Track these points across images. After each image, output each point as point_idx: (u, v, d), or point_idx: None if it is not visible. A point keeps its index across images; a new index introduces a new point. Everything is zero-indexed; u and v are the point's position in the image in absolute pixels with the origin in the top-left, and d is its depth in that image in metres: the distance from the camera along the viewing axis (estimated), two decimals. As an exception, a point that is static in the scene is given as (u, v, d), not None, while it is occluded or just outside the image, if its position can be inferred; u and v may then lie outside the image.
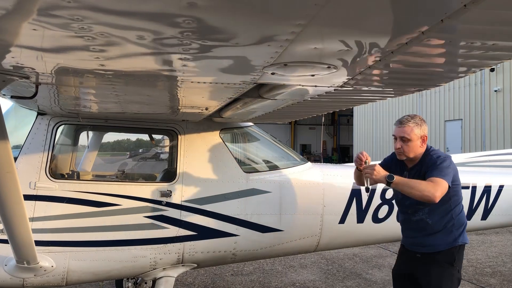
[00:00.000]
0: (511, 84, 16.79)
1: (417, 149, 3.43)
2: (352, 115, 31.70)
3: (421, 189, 3.15)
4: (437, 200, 3.15)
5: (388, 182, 3.19)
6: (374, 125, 26.73)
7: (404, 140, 3.41)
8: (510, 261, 7.76)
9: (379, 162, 3.74)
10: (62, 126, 4.16)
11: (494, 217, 4.96)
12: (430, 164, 3.35)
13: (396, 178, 3.20)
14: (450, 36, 1.70)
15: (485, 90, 18.00)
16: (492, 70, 17.20)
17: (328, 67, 2.16)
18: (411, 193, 3.20)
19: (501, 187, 5.00)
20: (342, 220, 4.53)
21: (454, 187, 3.40)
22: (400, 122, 3.46)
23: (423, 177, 3.28)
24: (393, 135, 3.52)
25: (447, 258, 3.39)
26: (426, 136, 3.46)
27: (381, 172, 3.24)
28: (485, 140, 17.97)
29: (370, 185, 3.36)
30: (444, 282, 3.37)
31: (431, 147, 3.54)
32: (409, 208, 3.50)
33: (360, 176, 3.54)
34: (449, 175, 3.27)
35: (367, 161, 3.41)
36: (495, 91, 17.44)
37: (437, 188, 3.14)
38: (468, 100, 18.97)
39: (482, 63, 2.18)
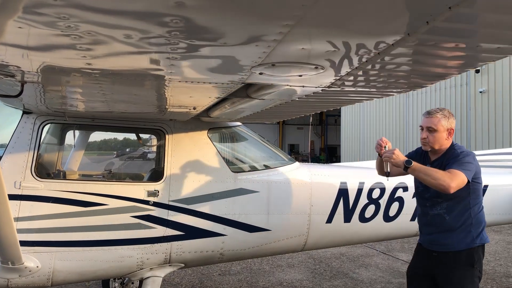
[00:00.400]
0: (496, 85, 17.02)
1: (442, 140, 3.44)
2: (339, 115, 31.85)
3: (437, 177, 3.15)
4: (452, 191, 3.13)
5: (406, 166, 3.21)
6: (362, 125, 26.90)
7: (431, 130, 3.43)
8: (494, 260, 7.87)
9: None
10: (48, 125, 4.12)
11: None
12: (453, 157, 3.36)
13: (414, 163, 3.21)
14: (436, 38, 1.72)
15: (471, 91, 18.22)
16: (477, 71, 17.42)
17: (316, 68, 2.18)
18: (427, 181, 3.21)
19: (485, 186, 5.06)
20: (329, 220, 4.55)
21: (475, 184, 3.39)
22: (428, 113, 3.48)
23: (444, 169, 3.26)
24: (420, 125, 3.55)
25: (467, 259, 3.34)
26: (453, 130, 3.46)
27: (400, 157, 3.27)
28: (470, 140, 18.19)
29: (389, 169, 3.40)
30: (466, 284, 3.33)
31: (456, 143, 3.55)
32: (428, 200, 3.48)
33: (381, 163, 3.56)
34: (470, 170, 3.26)
35: (386, 146, 3.41)
36: (480, 92, 17.66)
37: (453, 179, 3.13)
38: (454, 101, 19.19)
39: (467, 64, 2.21)
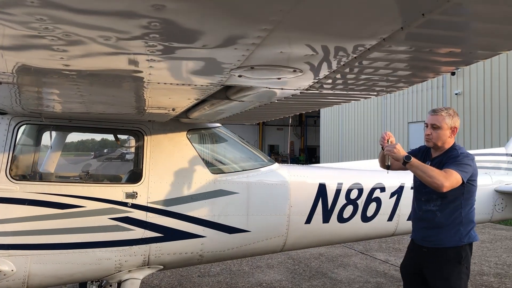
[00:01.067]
0: (471, 88, 17.41)
1: (445, 138, 3.58)
2: (319, 117, 32.09)
3: (432, 175, 3.30)
4: (445, 190, 3.28)
5: (405, 161, 3.38)
6: (340, 126, 27.17)
7: (435, 127, 3.58)
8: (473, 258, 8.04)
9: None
10: (24, 126, 4.05)
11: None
12: (452, 157, 3.49)
13: (413, 159, 3.38)
14: (410, 43, 1.76)
15: (446, 93, 18.59)
16: (453, 74, 17.79)
17: (294, 71, 2.20)
18: (422, 177, 3.36)
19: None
20: (308, 220, 4.59)
21: (469, 186, 3.51)
22: (434, 111, 3.63)
23: (442, 168, 3.40)
24: (425, 122, 3.71)
25: (455, 256, 3.47)
26: (456, 128, 3.60)
27: (401, 151, 3.44)
28: (446, 141, 18.57)
29: (390, 163, 3.63)
30: (453, 280, 3.44)
31: (458, 144, 3.69)
32: (424, 195, 3.61)
33: (383, 156, 3.75)
34: (466, 172, 3.40)
35: (389, 140, 3.59)
36: (456, 94, 18.04)
37: (448, 178, 3.28)
38: (430, 102, 19.54)
39: (441, 68, 2.27)
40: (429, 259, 3.55)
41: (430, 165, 3.53)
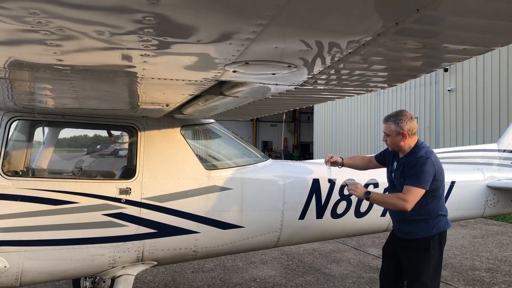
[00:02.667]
0: (464, 84, 17.50)
1: (397, 143, 3.82)
2: (312, 113, 32.10)
3: (392, 203, 3.73)
4: (409, 208, 3.61)
5: (366, 197, 3.78)
6: (334, 122, 27.22)
7: (386, 134, 3.88)
8: (461, 254, 8.12)
9: (375, 154, 4.42)
10: (16, 122, 4.01)
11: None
12: (412, 165, 3.70)
13: (373, 194, 3.79)
14: (405, 39, 1.77)
15: (439, 90, 18.67)
16: (446, 70, 17.86)
17: (289, 66, 2.20)
18: (386, 207, 3.80)
19: (452, 183, 5.22)
20: (302, 216, 4.60)
21: (433, 184, 3.71)
22: (384, 119, 3.93)
23: (404, 172, 3.73)
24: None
25: (423, 244, 3.77)
26: (405, 133, 3.77)
27: (360, 190, 3.83)
28: (439, 137, 18.66)
29: (333, 178, 4.51)
30: (420, 266, 3.75)
31: (422, 142, 3.87)
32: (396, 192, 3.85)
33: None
34: (426, 180, 3.64)
35: (331, 158, 4.39)
36: (449, 90, 18.12)
37: (407, 199, 3.59)
38: (423, 99, 19.63)
39: (435, 64, 2.28)
40: (402, 246, 3.93)
41: (397, 165, 3.88)
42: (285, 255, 7.84)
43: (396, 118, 3.79)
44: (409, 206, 3.58)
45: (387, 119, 3.86)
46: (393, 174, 3.95)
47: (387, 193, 4.31)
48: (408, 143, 3.79)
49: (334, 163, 4.40)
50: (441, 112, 18.55)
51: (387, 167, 4.16)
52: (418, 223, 3.78)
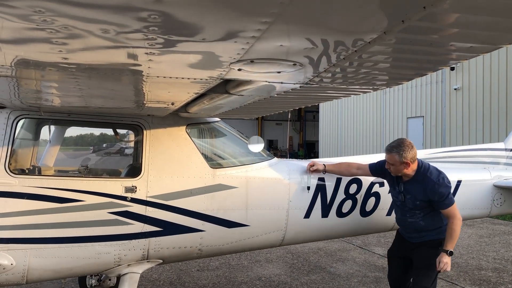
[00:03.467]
0: (470, 83, 17.39)
1: (402, 171, 4.13)
2: (318, 111, 32.03)
3: (458, 230, 4.08)
4: (461, 220, 4.07)
5: (452, 253, 4.04)
6: (339, 121, 27.15)
7: (389, 163, 4.17)
8: (467, 253, 8.08)
9: (371, 163, 4.57)
10: (23, 120, 4.03)
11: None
12: (434, 190, 4.03)
13: (450, 246, 4.03)
14: (411, 37, 1.76)
15: (445, 88, 18.57)
16: (452, 69, 17.76)
17: (294, 65, 2.19)
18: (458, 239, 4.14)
19: (459, 182, 5.19)
20: (307, 215, 4.59)
21: None
22: (387, 150, 4.19)
23: (423, 195, 4.07)
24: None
25: (436, 244, 4.15)
26: (408, 162, 4.07)
27: (449, 259, 4.03)
28: (445, 136, 18.56)
29: (309, 184, 4.60)
30: (432, 260, 4.08)
31: (423, 163, 4.17)
32: (409, 212, 4.24)
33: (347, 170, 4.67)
34: (450, 196, 4.08)
35: (314, 165, 4.58)
36: (455, 89, 18.01)
37: (457, 217, 4.03)
38: (429, 98, 19.53)
39: (441, 62, 2.27)
40: (414, 247, 4.27)
41: (403, 188, 4.19)
42: (290, 254, 7.83)
43: (399, 149, 4.06)
44: (461, 221, 4.05)
45: (390, 150, 4.11)
46: (402, 196, 4.24)
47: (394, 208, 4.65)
48: (412, 169, 4.12)
49: (315, 171, 4.57)
50: (447, 111, 18.45)
51: (389, 184, 4.47)
52: (431, 230, 4.19)
